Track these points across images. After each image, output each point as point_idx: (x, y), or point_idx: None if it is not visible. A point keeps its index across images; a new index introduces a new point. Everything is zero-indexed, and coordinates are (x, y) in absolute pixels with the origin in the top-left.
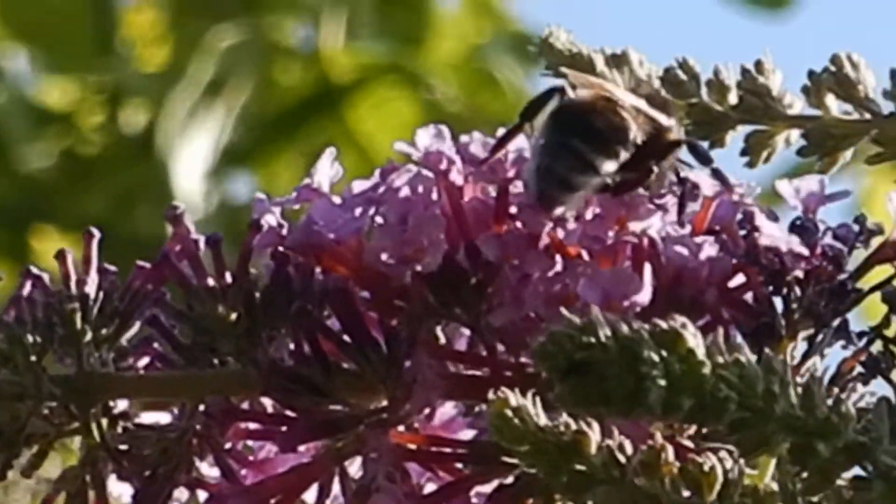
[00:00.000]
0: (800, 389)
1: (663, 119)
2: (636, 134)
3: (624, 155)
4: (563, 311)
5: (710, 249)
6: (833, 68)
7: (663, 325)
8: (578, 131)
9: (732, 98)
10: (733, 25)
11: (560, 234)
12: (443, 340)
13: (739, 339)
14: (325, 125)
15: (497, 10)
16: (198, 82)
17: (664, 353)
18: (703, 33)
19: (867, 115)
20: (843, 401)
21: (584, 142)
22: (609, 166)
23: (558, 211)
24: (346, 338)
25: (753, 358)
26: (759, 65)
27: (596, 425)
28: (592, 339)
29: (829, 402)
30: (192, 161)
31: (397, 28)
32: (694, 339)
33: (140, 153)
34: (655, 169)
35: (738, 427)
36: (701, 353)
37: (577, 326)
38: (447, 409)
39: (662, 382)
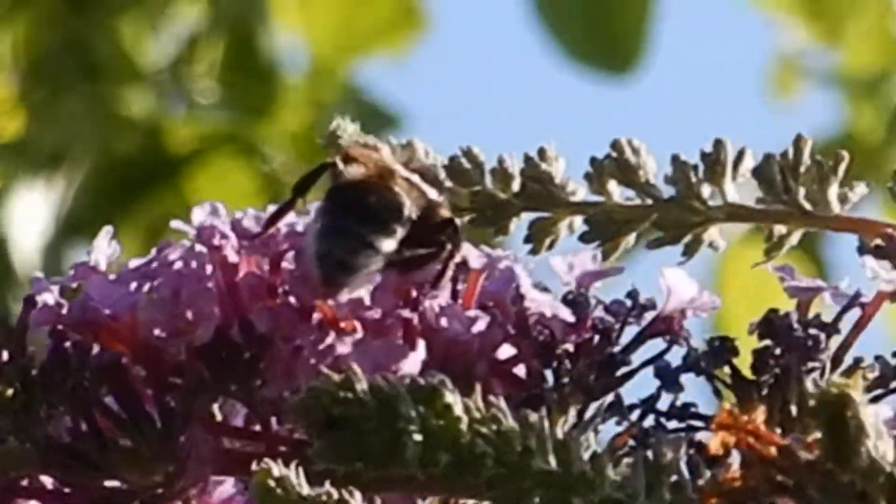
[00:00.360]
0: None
1: (434, 194)
2: (411, 210)
3: (401, 232)
4: (324, 369)
5: (479, 323)
6: (614, 154)
7: (421, 381)
8: (355, 212)
9: (516, 185)
10: (579, 90)
11: (333, 306)
12: (220, 416)
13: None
14: (164, 196)
15: (342, 79)
16: (38, 153)
17: (422, 409)
18: (548, 98)
19: (649, 200)
20: (601, 457)
21: (362, 223)
22: (388, 245)
23: (344, 293)
24: (121, 414)
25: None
26: (541, 152)
27: (358, 494)
28: (350, 395)
29: (587, 457)
30: (30, 234)
31: (241, 98)
32: (451, 395)
33: None
34: (448, 246)
35: (495, 483)
36: (458, 409)
37: (335, 382)
38: (227, 488)
39: (419, 438)
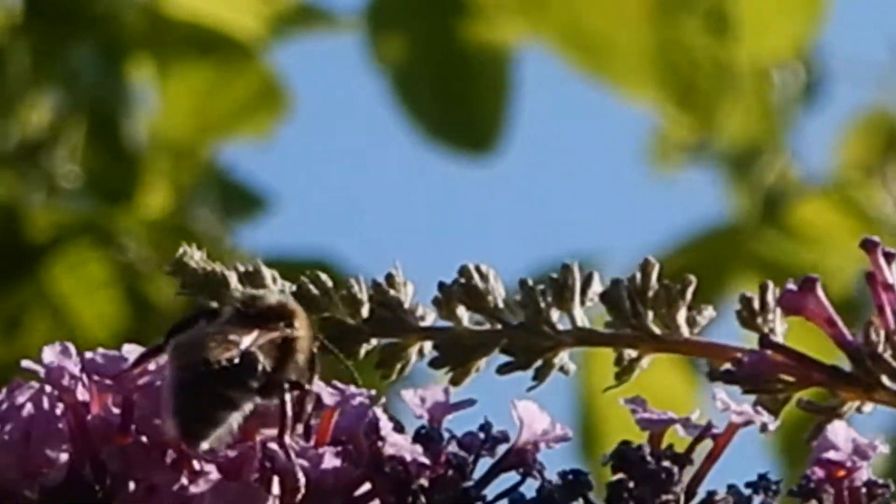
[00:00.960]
0: None
1: (289, 332)
2: (265, 363)
3: (258, 385)
4: None
5: (333, 459)
6: (462, 280)
7: None
8: (214, 370)
9: (365, 311)
10: (437, 170)
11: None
12: None
13: None
14: (20, 286)
15: (203, 162)
16: None
17: None
18: (406, 174)
19: (498, 326)
20: None
21: (223, 381)
22: (247, 400)
23: (205, 445)
24: None
25: None
26: (389, 278)
27: None
28: None
29: None
30: None
31: (104, 182)
32: None
33: None
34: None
35: None
36: None
37: None
38: None
39: None
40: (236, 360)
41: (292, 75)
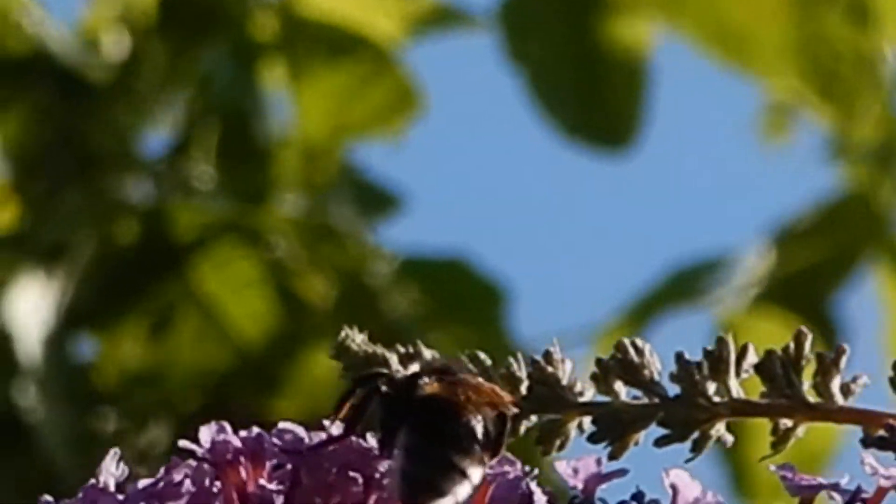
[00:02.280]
0: None
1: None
2: (483, 423)
3: (478, 449)
4: None
5: None
6: (619, 355)
7: None
8: (443, 436)
9: (524, 389)
10: (573, 165)
11: None
12: None
13: None
14: (167, 286)
15: (337, 162)
16: (37, 245)
17: None
18: (542, 173)
19: (655, 399)
20: None
21: (453, 448)
22: (476, 472)
23: None
24: None
25: None
26: (547, 355)
27: None
28: None
29: None
30: (32, 326)
31: (239, 183)
32: None
33: None
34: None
35: None
36: None
37: None
38: None
39: None
40: (466, 428)
41: (425, 73)
